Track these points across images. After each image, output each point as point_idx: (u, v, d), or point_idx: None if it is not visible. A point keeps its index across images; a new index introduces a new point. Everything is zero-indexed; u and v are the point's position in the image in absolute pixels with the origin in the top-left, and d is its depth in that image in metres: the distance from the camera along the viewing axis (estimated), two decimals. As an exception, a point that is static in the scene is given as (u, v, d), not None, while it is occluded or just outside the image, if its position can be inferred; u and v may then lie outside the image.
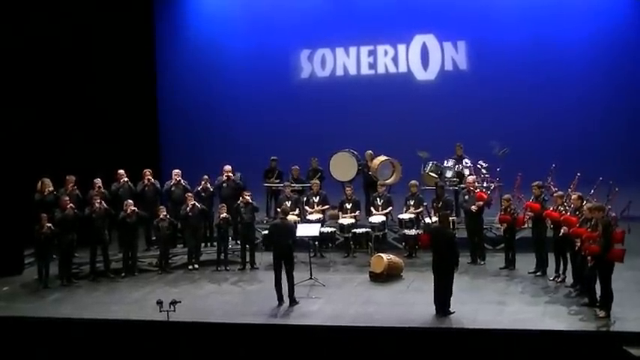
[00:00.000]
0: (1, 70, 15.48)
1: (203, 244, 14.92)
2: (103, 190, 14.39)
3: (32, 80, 16.17)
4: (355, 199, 14.95)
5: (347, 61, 18.80)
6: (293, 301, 11.77)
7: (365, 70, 18.72)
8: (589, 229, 10.47)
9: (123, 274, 13.97)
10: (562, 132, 17.06)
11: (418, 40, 18.29)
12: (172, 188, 14.84)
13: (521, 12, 17.62)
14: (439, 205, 13.89)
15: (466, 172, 14.91)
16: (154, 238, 14.86)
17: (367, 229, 14.33)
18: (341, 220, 14.56)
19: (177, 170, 15.05)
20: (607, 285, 10.26)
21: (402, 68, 18.48)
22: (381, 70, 18.61)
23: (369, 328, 10.65)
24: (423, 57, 18.32)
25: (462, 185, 14.77)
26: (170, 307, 10.37)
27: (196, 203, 14.19)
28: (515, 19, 17.62)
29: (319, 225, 13.86)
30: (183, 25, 19.67)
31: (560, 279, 12.22)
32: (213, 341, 10.90)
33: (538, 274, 12.67)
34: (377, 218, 14.42)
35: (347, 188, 14.92)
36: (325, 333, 10.67)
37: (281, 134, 18.29)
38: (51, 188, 14.37)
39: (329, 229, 14.51)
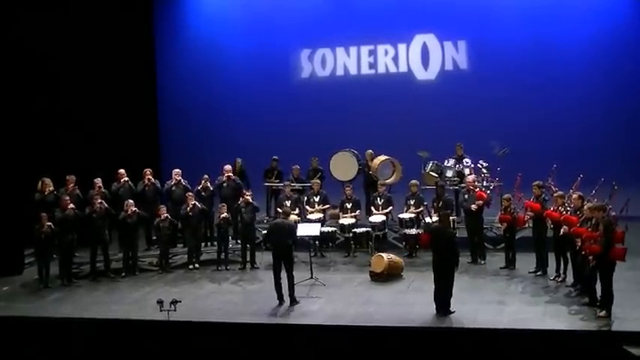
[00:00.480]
0: (1, 70, 15.49)
1: (203, 244, 14.93)
2: (103, 190, 14.40)
3: (32, 80, 16.18)
4: (355, 198, 14.96)
5: (347, 60, 18.79)
6: (293, 301, 11.77)
7: (365, 70, 18.69)
8: (589, 229, 10.48)
9: (123, 274, 13.98)
10: (562, 132, 17.04)
11: (418, 40, 18.28)
12: (173, 188, 14.84)
13: (521, 12, 17.59)
14: (439, 205, 13.89)
15: (466, 171, 14.92)
16: (154, 237, 14.86)
17: (367, 229, 14.34)
18: (341, 220, 14.56)
19: (177, 170, 15.05)
20: (608, 285, 10.27)
21: (403, 68, 18.46)
22: (381, 69, 18.59)
23: (369, 328, 10.66)
24: (423, 57, 18.30)
25: (462, 185, 14.78)
26: (170, 306, 10.38)
27: (197, 203, 14.20)
28: (516, 19, 17.60)
29: (320, 225, 13.87)
30: (183, 25, 19.66)
31: (560, 279, 12.22)
32: (213, 341, 10.89)
33: (538, 273, 12.68)
34: (377, 218, 14.42)
35: (346, 188, 14.93)
36: (325, 333, 10.67)
37: (281, 134, 18.28)
38: (51, 188, 14.38)
39: (329, 229, 14.52)
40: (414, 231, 14.16)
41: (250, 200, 14.11)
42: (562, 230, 11.51)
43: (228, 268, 14.18)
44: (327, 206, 15.14)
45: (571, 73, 17.16)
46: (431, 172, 15.05)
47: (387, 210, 14.71)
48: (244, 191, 14.44)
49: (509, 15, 17.67)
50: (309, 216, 14.71)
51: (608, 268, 10.22)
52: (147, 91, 19.00)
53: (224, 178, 14.95)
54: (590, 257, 10.37)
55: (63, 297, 13.02)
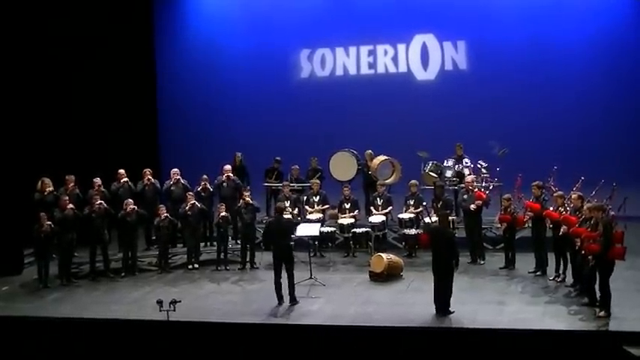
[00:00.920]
0: (2, 70, 15.49)
1: (203, 244, 14.93)
2: (102, 190, 14.39)
3: (32, 80, 16.18)
4: (354, 198, 14.96)
5: (347, 60, 18.79)
6: (293, 300, 11.76)
7: (365, 70, 18.69)
8: (589, 229, 10.48)
9: (123, 274, 13.98)
10: (561, 132, 17.05)
11: (418, 40, 18.28)
12: (172, 188, 14.84)
13: (521, 12, 17.60)
14: (439, 205, 13.90)
15: (466, 171, 14.92)
16: (153, 237, 14.86)
17: (367, 229, 14.34)
18: (341, 220, 14.56)
19: (175, 169, 15.05)
20: (605, 285, 10.27)
21: (402, 68, 18.46)
22: (380, 69, 18.60)
23: (369, 328, 10.65)
24: (422, 57, 18.30)
25: (461, 185, 14.79)
26: (170, 306, 10.37)
27: (196, 203, 14.19)
28: (515, 19, 17.61)
29: (319, 225, 13.87)
30: (183, 25, 19.65)
31: (560, 279, 12.23)
32: (213, 341, 10.89)
33: (538, 273, 12.68)
34: (377, 218, 14.42)
35: (344, 188, 14.92)
36: (325, 333, 10.67)
37: (280, 134, 18.27)
38: (51, 188, 14.38)
39: (329, 229, 14.52)
40: (413, 231, 14.17)
41: (250, 201, 14.11)
42: (561, 230, 11.52)
43: (227, 268, 14.18)
44: (327, 206, 15.14)
45: (570, 73, 17.17)
46: (430, 172, 15.06)
47: (387, 210, 14.71)
48: (243, 191, 14.41)
49: (509, 15, 17.68)
50: (309, 216, 14.71)
51: (607, 268, 10.23)
52: (147, 91, 18.99)
53: (223, 178, 14.95)
54: (590, 257, 10.37)
55: (62, 297, 13.02)
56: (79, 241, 13.94)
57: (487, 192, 13.86)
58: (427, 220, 13.81)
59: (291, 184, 15.37)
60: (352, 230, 14.41)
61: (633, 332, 9.74)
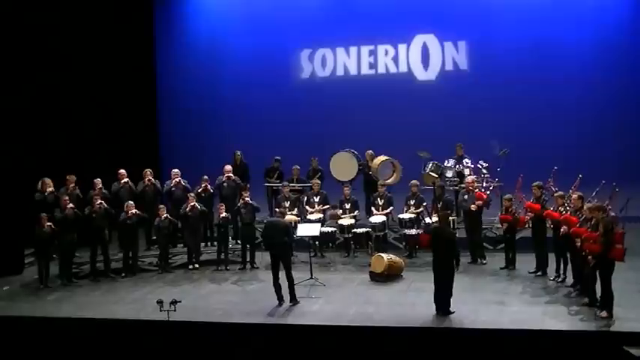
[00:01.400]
0: (2, 71, 15.49)
1: (203, 244, 14.93)
2: (103, 191, 14.40)
3: (32, 80, 16.18)
4: (354, 199, 14.96)
5: (347, 60, 18.81)
6: (294, 299, 11.77)
7: (365, 70, 18.73)
8: (589, 229, 10.48)
9: (123, 274, 13.99)
10: (562, 132, 17.07)
11: (419, 40, 18.31)
12: (172, 188, 14.83)
13: (521, 12, 17.63)
14: (439, 205, 13.88)
15: (466, 172, 14.92)
16: (154, 237, 14.86)
17: (367, 229, 14.33)
18: (341, 220, 14.55)
19: (176, 170, 15.05)
20: (608, 285, 10.27)
21: (403, 68, 18.50)
22: (381, 69, 18.63)
23: (369, 328, 10.65)
24: (423, 57, 18.33)
25: (462, 185, 14.79)
26: (170, 306, 10.37)
27: (196, 204, 14.18)
28: (516, 20, 17.64)
29: (319, 225, 13.87)
30: (184, 25, 19.68)
31: (560, 279, 12.22)
32: (213, 341, 10.89)
33: (538, 274, 12.68)
34: (377, 218, 14.42)
35: (345, 188, 14.92)
36: (325, 333, 10.67)
37: (281, 134, 18.29)
38: (51, 188, 14.37)
39: (329, 229, 14.52)
40: (414, 231, 14.16)
41: (249, 201, 14.11)
42: (562, 230, 11.51)
43: (228, 268, 14.18)
44: (327, 206, 15.14)
45: (571, 73, 17.19)
46: (431, 173, 15.04)
47: (387, 210, 14.71)
48: (242, 192, 14.41)
49: (510, 15, 17.71)
50: (309, 216, 14.71)
51: (608, 269, 10.22)
52: (147, 91, 19.02)
53: (224, 178, 14.95)
54: (590, 257, 10.37)
55: (63, 297, 13.03)
56: (80, 242, 13.96)
57: (488, 192, 13.85)
58: (427, 220, 13.81)
59: (292, 185, 15.36)
60: (352, 230, 14.41)
61: (633, 332, 9.74)
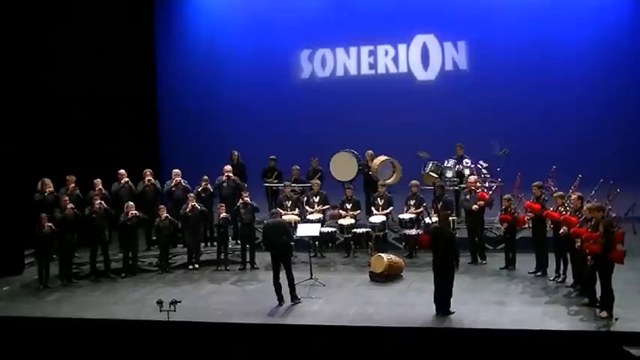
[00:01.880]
0: (2, 71, 15.49)
1: (203, 244, 14.93)
2: (103, 192, 14.39)
3: (32, 80, 16.18)
4: (355, 199, 14.96)
5: (347, 61, 18.80)
6: (294, 298, 11.77)
7: (365, 70, 18.72)
8: (589, 229, 10.48)
9: (123, 274, 13.99)
10: (562, 132, 17.07)
11: (418, 40, 18.30)
12: (173, 189, 14.83)
13: (521, 12, 17.61)
14: (439, 206, 13.89)
15: (466, 172, 14.92)
16: (153, 238, 14.86)
17: (367, 229, 14.33)
18: (341, 221, 14.55)
19: (176, 170, 15.04)
20: (608, 285, 10.27)
21: (403, 68, 18.48)
22: (381, 70, 18.61)
23: (369, 328, 10.65)
24: (423, 57, 18.32)
25: (462, 185, 14.79)
26: (170, 307, 10.37)
27: (196, 204, 14.18)
28: (516, 19, 17.62)
29: (319, 225, 13.87)
30: (184, 25, 19.67)
31: (560, 279, 12.22)
32: (213, 341, 10.89)
33: (538, 274, 12.68)
34: (377, 218, 14.41)
35: (347, 189, 14.92)
36: (325, 333, 10.67)
37: (281, 134, 18.28)
38: (51, 188, 14.37)
39: (329, 229, 14.51)
40: (414, 231, 14.15)
41: (249, 200, 14.11)
42: (562, 230, 11.51)
43: (228, 268, 14.18)
44: (327, 207, 15.13)
45: (571, 73, 17.18)
46: (431, 173, 15.04)
47: (387, 210, 14.70)
48: (242, 192, 14.41)
49: (509, 15, 17.69)
50: (309, 216, 14.70)
51: (607, 269, 10.22)
52: (147, 91, 19.00)
53: (224, 178, 14.95)
54: (589, 257, 10.37)
55: (63, 297, 13.03)
56: (80, 242, 13.95)
57: (490, 192, 13.83)
58: (427, 220, 13.81)
59: (292, 185, 15.35)
60: (352, 230, 14.40)
61: (633, 332, 9.74)
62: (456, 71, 18.18)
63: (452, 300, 10.89)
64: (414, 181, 14.64)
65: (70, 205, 13.59)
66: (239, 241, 14.47)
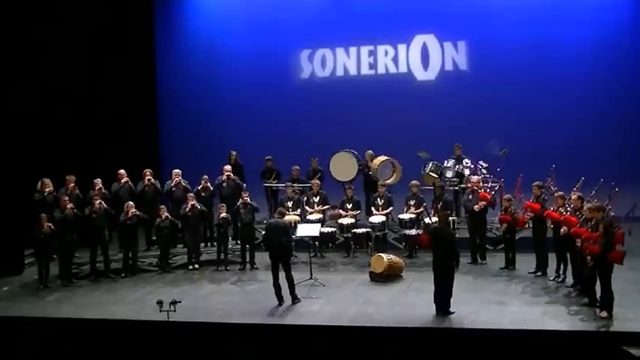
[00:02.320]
0: (2, 71, 15.49)
1: (203, 244, 14.93)
2: (103, 191, 14.39)
3: (32, 80, 16.17)
4: (356, 199, 14.97)
5: (347, 61, 18.80)
6: (295, 299, 11.77)
7: (365, 71, 18.71)
8: (589, 230, 10.47)
9: (123, 274, 13.99)
10: (562, 132, 17.06)
11: (418, 40, 18.29)
12: (173, 189, 14.83)
13: (521, 12, 17.60)
14: (439, 206, 13.89)
15: (466, 172, 14.92)
16: (153, 238, 14.85)
17: (367, 229, 14.33)
18: (341, 221, 14.55)
19: (177, 170, 15.04)
20: (607, 286, 10.27)
21: (402, 68, 18.47)
22: (381, 70, 18.61)
23: (369, 328, 10.65)
24: (423, 57, 18.31)
25: (462, 185, 14.79)
26: (170, 307, 10.36)
27: (196, 204, 14.18)
28: (515, 19, 17.61)
29: (319, 225, 13.86)
30: (183, 25, 19.66)
31: (560, 279, 12.23)
32: (213, 341, 10.89)
33: (538, 274, 12.68)
34: (377, 218, 14.41)
35: (347, 190, 14.92)
36: (325, 333, 10.67)
37: (281, 134, 18.28)
38: (51, 188, 14.37)
39: (329, 229, 14.51)
40: (413, 231, 14.15)
41: (248, 200, 14.11)
42: (562, 230, 11.51)
43: (227, 268, 14.18)
44: (327, 207, 15.13)
45: (571, 73, 17.17)
46: (431, 173, 15.04)
47: (387, 210, 14.70)
48: (242, 192, 14.41)
49: (509, 15, 17.68)
50: (309, 216, 14.70)
51: (607, 269, 10.22)
52: (147, 91, 19.01)
53: (224, 178, 14.95)
54: (589, 257, 10.37)
55: (63, 297, 13.02)
56: (80, 242, 13.95)
57: (492, 193, 13.82)
58: (427, 220, 13.81)
59: (293, 185, 15.33)
60: (352, 230, 14.40)
61: (633, 332, 9.74)
62: (455, 71, 18.17)
63: (452, 300, 10.89)
64: (413, 181, 14.64)
65: (70, 205, 13.59)
66: (239, 242, 14.46)
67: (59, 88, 16.71)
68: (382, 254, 13.07)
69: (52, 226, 13.46)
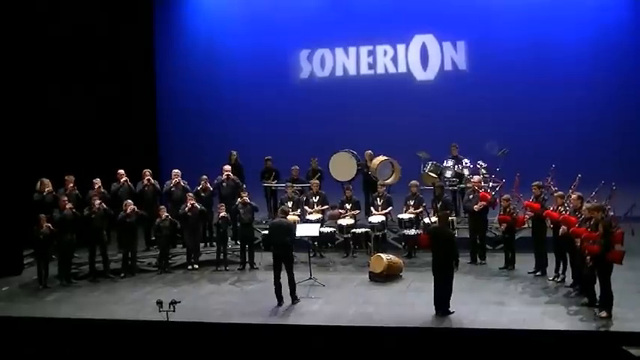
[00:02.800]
0: (2, 71, 15.48)
1: (202, 244, 14.92)
2: (102, 191, 14.39)
3: (32, 80, 16.17)
4: (355, 199, 14.96)
5: (346, 61, 18.80)
6: (295, 299, 11.77)
7: (364, 70, 18.72)
8: (589, 229, 10.47)
9: (122, 275, 13.97)
10: (562, 132, 17.06)
11: (417, 40, 18.29)
12: (172, 189, 14.82)
13: (521, 12, 17.61)
14: (438, 206, 13.89)
15: (466, 172, 14.92)
16: (153, 238, 14.85)
17: (367, 229, 14.32)
18: (340, 221, 14.54)
19: (176, 170, 15.03)
20: (607, 285, 10.27)
21: (402, 68, 18.48)
22: (380, 70, 18.61)
23: (369, 328, 10.65)
24: (422, 57, 18.31)
25: (461, 185, 14.78)
26: (170, 307, 10.35)
27: (196, 204, 14.18)
28: (515, 19, 17.62)
29: (319, 225, 13.86)
30: (183, 25, 19.66)
31: (559, 279, 12.22)
32: (213, 341, 10.88)
33: (538, 274, 12.68)
34: (376, 218, 14.41)
35: (347, 190, 14.91)
36: (325, 333, 10.66)
37: (281, 134, 18.28)
38: (50, 188, 14.35)
39: (328, 229, 14.51)
40: (413, 231, 14.15)
41: (248, 200, 14.10)
42: (561, 230, 11.50)
43: (227, 268, 14.17)
44: (326, 207, 15.13)
45: (571, 73, 17.18)
46: (430, 173, 15.05)
47: (387, 210, 14.70)
48: (241, 192, 14.40)
49: (509, 15, 17.69)
50: (309, 216, 14.70)
51: (606, 269, 10.22)
52: (146, 91, 19.00)
53: (223, 178, 14.94)
54: (588, 257, 10.36)
55: (62, 297, 13.01)
56: (79, 242, 13.94)
57: (493, 193, 13.81)
58: (427, 220, 13.81)
59: (294, 185, 15.33)
60: (352, 230, 14.40)
61: (633, 332, 9.74)
62: (455, 71, 18.18)
63: (451, 300, 10.89)
64: (413, 181, 14.64)
65: (69, 205, 13.58)
66: (238, 242, 14.45)
67: (58, 88, 16.69)
68: (381, 254, 13.06)
69: (51, 227, 13.44)
